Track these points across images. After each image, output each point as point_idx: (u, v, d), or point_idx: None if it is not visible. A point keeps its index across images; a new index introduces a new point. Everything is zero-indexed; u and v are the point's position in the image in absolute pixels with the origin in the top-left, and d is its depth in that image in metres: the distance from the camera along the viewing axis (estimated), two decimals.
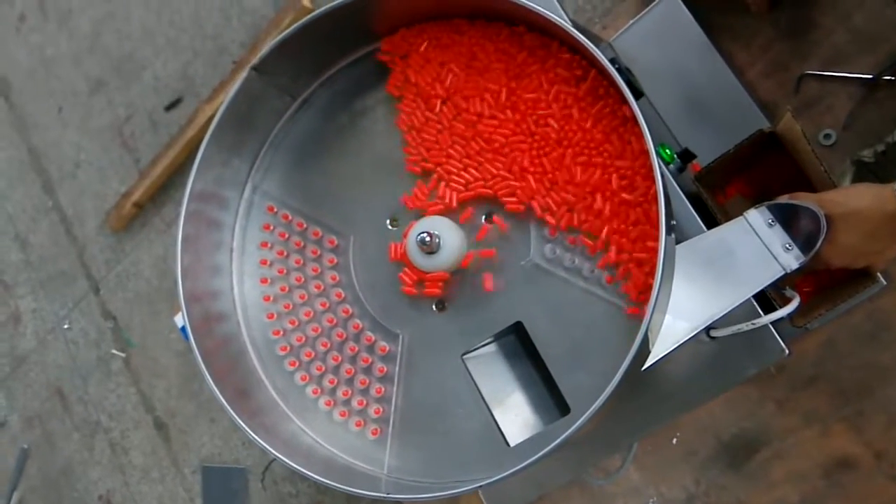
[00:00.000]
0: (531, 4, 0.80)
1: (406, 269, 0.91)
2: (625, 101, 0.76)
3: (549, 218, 0.86)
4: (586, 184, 0.84)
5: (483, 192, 0.89)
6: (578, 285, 0.84)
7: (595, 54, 0.77)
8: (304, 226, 0.99)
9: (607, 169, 0.83)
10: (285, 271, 0.99)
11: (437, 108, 0.93)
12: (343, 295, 0.96)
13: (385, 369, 0.92)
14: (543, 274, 0.86)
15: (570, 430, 0.70)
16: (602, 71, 0.81)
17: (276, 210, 1.00)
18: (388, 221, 0.95)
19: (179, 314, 0.90)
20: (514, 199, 0.87)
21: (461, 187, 0.90)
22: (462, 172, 0.90)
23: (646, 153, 0.80)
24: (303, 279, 0.98)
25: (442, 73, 0.93)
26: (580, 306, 0.84)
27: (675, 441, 1.56)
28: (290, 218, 1.00)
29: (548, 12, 0.79)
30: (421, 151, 0.93)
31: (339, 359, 0.94)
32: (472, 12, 0.92)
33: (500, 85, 0.90)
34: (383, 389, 0.92)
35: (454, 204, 0.90)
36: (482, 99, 0.90)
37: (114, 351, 2.36)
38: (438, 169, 0.91)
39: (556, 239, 0.86)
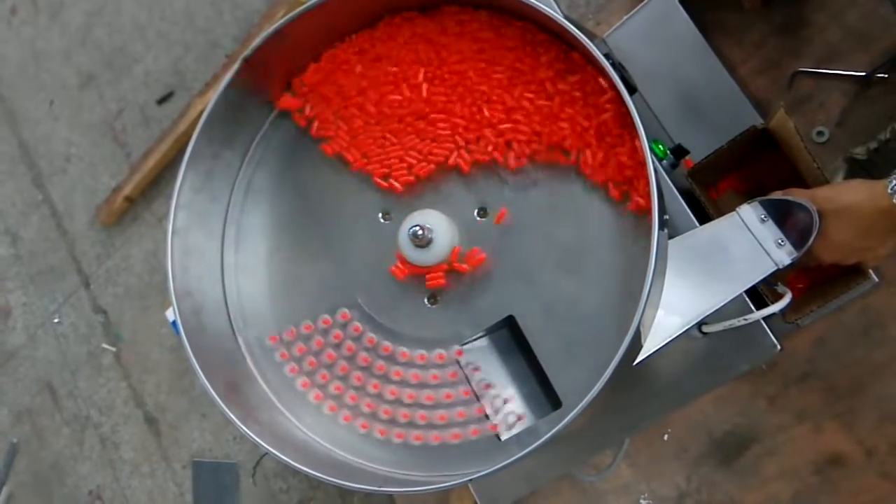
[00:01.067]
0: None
1: (398, 264, 0.91)
2: (620, 99, 0.76)
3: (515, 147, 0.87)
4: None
5: (438, 156, 0.90)
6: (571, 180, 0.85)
7: (590, 49, 0.77)
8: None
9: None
10: None
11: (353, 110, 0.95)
12: None
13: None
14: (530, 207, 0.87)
15: (560, 425, 0.70)
16: (596, 66, 0.81)
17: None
18: (380, 215, 0.94)
19: (170, 309, 0.90)
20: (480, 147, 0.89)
21: (415, 162, 0.91)
22: (408, 154, 0.91)
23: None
24: None
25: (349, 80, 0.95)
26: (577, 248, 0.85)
27: (666, 438, 1.56)
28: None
29: (543, 6, 0.79)
30: (369, 165, 0.94)
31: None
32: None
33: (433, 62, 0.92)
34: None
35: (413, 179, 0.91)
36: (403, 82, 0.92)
37: (104, 345, 2.35)
38: (388, 161, 0.93)
39: (525, 167, 0.87)
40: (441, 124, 0.90)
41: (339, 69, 0.96)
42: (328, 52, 0.97)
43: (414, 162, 0.91)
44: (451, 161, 0.89)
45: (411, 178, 0.91)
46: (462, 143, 0.89)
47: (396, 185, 0.91)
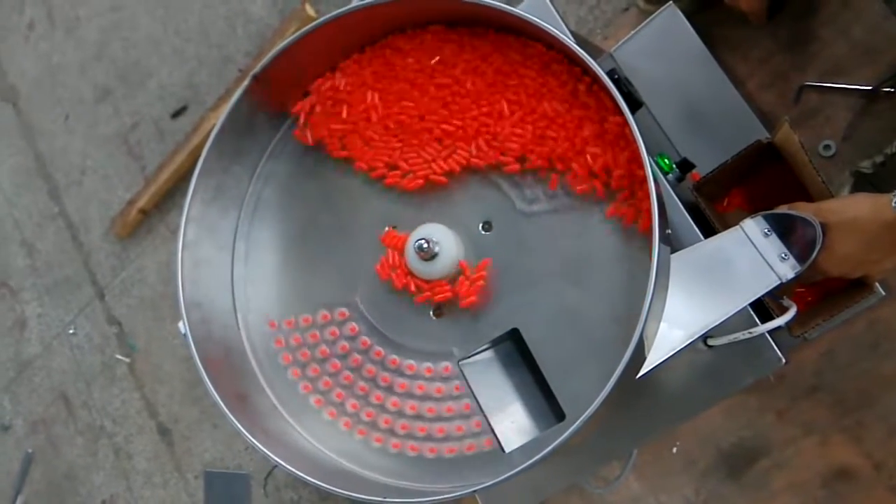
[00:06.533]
0: (532, 18, 0.81)
1: (397, 279, 0.92)
2: (621, 114, 0.77)
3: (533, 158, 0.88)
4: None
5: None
6: (573, 208, 0.86)
7: (592, 66, 0.78)
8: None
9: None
10: None
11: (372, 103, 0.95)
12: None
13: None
14: (535, 221, 0.88)
15: (563, 436, 0.71)
16: (598, 81, 0.82)
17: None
18: (387, 229, 0.95)
19: (181, 322, 0.91)
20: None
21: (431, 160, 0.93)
22: (423, 149, 0.93)
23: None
24: None
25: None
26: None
27: (674, 450, 1.56)
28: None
29: (548, 26, 0.80)
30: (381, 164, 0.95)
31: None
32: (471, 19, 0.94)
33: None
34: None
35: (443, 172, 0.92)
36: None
37: (118, 356, 2.37)
38: (402, 163, 0.94)
39: (526, 181, 0.88)
40: (447, 126, 0.92)
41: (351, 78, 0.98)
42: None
43: (430, 158, 0.93)
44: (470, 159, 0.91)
45: (430, 173, 0.93)
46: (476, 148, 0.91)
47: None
